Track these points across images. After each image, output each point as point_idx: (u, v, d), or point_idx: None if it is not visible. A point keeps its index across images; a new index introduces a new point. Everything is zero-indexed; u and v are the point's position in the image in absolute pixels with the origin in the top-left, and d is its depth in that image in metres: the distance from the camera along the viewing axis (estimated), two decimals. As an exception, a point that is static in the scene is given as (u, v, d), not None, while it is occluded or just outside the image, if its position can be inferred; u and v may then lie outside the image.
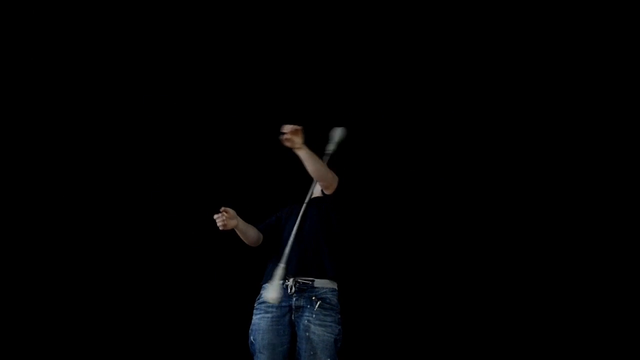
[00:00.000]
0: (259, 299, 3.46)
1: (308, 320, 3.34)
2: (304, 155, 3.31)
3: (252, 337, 3.42)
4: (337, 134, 3.49)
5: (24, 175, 4.59)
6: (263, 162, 4.59)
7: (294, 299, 3.37)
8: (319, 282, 3.40)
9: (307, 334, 3.33)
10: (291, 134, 3.26)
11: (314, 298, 3.37)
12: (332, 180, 3.41)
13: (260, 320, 3.39)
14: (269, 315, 3.38)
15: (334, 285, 3.44)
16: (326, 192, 3.44)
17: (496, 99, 4.63)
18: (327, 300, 3.39)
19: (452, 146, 4.67)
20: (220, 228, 3.42)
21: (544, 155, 4.62)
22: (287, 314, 3.37)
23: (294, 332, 3.38)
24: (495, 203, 4.63)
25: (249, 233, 3.54)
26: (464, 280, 4.61)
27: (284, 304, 3.37)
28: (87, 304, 4.57)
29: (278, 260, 3.36)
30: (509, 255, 4.59)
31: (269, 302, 3.31)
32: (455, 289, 4.61)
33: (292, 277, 3.37)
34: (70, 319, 4.55)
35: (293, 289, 3.37)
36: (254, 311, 3.45)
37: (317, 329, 3.33)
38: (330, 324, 3.36)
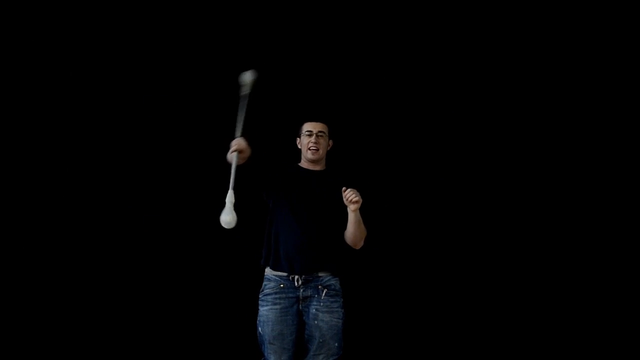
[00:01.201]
0: (263, 290, 3.52)
1: (316, 309, 3.45)
2: (357, 219, 3.41)
3: (260, 329, 3.50)
4: (247, 77, 3.39)
5: (19, 174, 4.58)
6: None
7: (302, 290, 3.47)
8: (323, 272, 3.50)
9: (316, 322, 3.44)
10: (357, 202, 3.35)
11: (320, 287, 3.47)
12: (362, 242, 3.52)
13: (268, 312, 3.47)
14: (277, 306, 3.46)
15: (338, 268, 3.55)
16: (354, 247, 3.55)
17: (490, 95, 4.65)
18: (332, 287, 3.50)
19: (452, 143, 4.67)
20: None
21: (537, 149, 4.63)
22: (295, 304, 3.47)
23: (301, 320, 3.48)
24: (493, 198, 4.64)
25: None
26: (458, 273, 4.63)
27: (291, 294, 3.46)
28: (84, 299, 4.57)
29: (277, 250, 3.46)
30: (503, 248, 4.61)
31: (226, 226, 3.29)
32: (450, 281, 4.63)
33: (297, 275, 3.45)
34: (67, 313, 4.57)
35: (300, 281, 3.46)
36: (260, 302, 3.52)
37: (325, 316, 3.44)
38: (337, 309, 3.48)
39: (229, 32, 4.61)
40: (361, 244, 3.52)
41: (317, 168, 3.59)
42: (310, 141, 3.53)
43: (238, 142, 3.28)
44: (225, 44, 4.59)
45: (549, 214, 4.58)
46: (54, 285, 4.54)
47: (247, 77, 3.37)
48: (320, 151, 3.54)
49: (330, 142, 3.62)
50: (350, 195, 3.33)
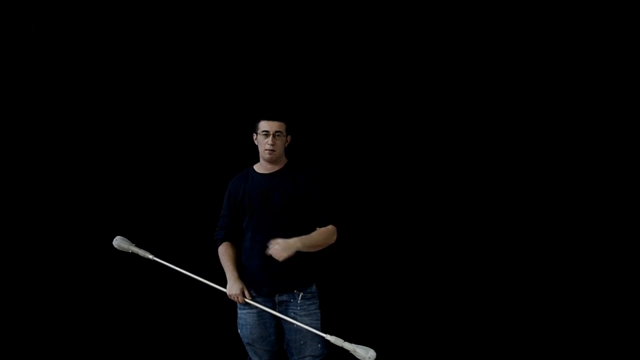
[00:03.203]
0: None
1: (294, 313, 3.42)
2: (303, 249, 3.29)
3: (240, 332, 3.54)
4: None
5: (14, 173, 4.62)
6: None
7: (277, 295, 3.45)
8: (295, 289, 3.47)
9: (295, 325, 3.41)
10: (282, 252, 3.23)
11: (295, 291, 3.44)
12: (332, 239, 3.42)
13: (247, 316, 3.49)
14: (255, 310, 3.46)
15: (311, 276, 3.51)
16: None
17: (456, 86, 4.57)
18: (308, 290, 3.46)
19: (414, 131, 4.60)
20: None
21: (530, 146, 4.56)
22: (272, 308, 3.45)
23: (279, 322, 3.48)
24: (465, 194, 4.59)
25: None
26: (432, 266, 4.60)
27: (268, 299, 3.46)
28: (71, 298, 4.62)
29: (250, 271, 3.44)
30: (480, 245, 4.57)
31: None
32: (424, 274, 4.60)
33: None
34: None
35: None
36: (239, 305, 3.51)
37: (304, 319, 3.42)
38: (314, 311, 3.46)
39: (182, 29, 4.57)
40: (331, 240, 3.40)
41: (275, 168, 3.49)
42: (267, 142, 3.41)
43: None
44: (176, 41, 4.58)
45: (520, 205, 4.54)
46: (53, 284, 4.58)
47: None
48: (277, 152, 3.43)
49: (289, 138, 3.49)
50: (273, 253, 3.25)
